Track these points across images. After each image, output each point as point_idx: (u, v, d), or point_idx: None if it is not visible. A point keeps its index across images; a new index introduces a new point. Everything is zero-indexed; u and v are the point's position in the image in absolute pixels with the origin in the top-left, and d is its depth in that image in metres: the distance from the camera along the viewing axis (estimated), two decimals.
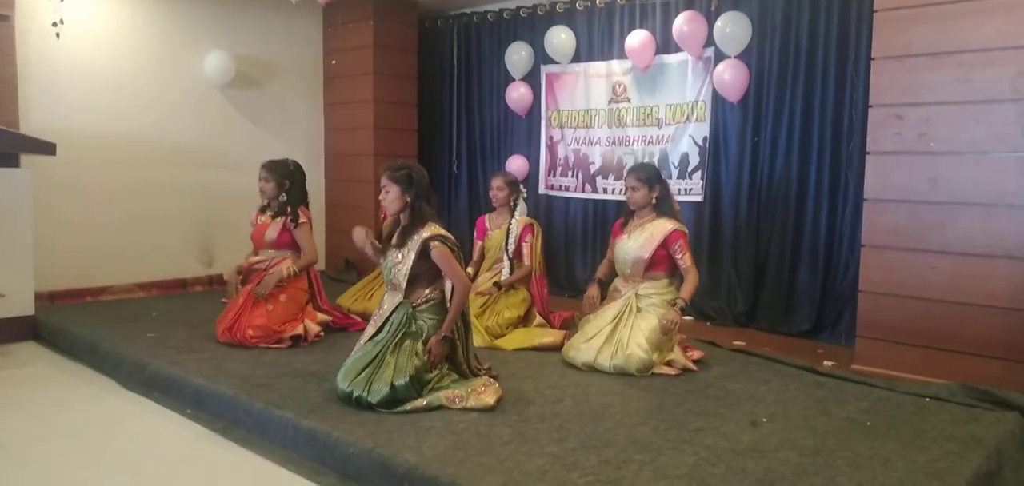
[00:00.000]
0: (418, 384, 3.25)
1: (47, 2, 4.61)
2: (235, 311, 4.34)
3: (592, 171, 6.22)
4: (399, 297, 3.42)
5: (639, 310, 4.00)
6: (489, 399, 3.28)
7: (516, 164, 6.47)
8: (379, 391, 3.21)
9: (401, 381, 3.21)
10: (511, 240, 4.73)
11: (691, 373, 3.91)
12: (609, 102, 6.06)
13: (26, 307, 4.76)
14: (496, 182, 4.86)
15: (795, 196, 5.12)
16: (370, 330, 3.48)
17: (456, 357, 3.48)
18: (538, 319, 4.73)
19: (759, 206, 5.30)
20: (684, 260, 4.00)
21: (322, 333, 4.45)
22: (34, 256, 4.81)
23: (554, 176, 6.47)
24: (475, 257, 4.92)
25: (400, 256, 3.43)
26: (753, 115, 5.28)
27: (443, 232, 3.40)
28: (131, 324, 4.82)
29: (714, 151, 5.50)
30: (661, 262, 4.05)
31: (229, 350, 4.23)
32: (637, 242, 4.07)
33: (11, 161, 4.76)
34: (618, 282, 4.21)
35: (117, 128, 5.86)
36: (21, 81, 5.35)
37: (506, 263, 4.73)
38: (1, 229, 4.59)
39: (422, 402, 3.24)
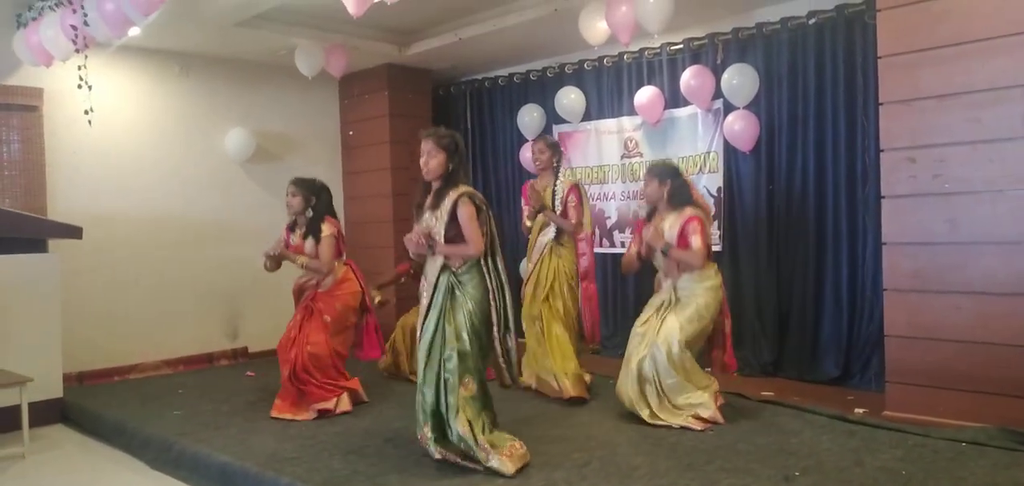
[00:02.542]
0: (479, 342, 3.33)
1: (73, 91, 4.81)
2: (295, 332, 4.44)
3: (609, 225, 6.25)
4: (440, 260, 3.43)
5: (677, 301, 3.98)
6: (509, 468, 3.27)
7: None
8: (448, 363, 3.31)
9: (458, 347, 3.30)
10: (557, 201, 4.76)
11: (719, 427, 3.86)
12: (622, 158, 6.13)
13: (54, 390, 4.82)
14: (537, 146, 4.90)
15: (814, 242, 5.11)
16: (424, 302, 3.48)
17: (489, 335, 3.42)
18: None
19: (778, 253, 5.29)
20: (694, 240, 3.91)
21: (350, 408, 4.46)
22: (62, 338, 4.88)
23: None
24: (527, 218, 4.89)
25: (434, 219, 3.45)
26: (766, 164, 5.31)
27: (473, 191, 3.44)
28: (157, 402, 4.86)
29: (729, 201, 5.52)
30: (708, 251, 4.01)
31: (255, 424, 4.25)
32: (668, 232, 4.03)
33: (39, 246, 4.87)
34: (660, 277, 4.20)
35: (141, 208, 6.00)
36: (49, 168, 5.52)
37: (552, 230, 4.73)
38: (29, 313, 4.68)
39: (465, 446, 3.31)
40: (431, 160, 3.43)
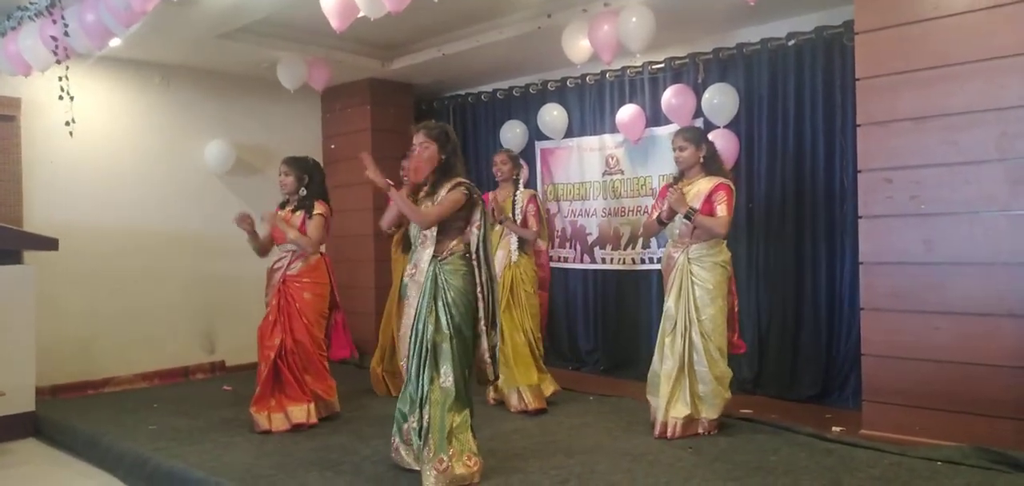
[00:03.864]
0: (461, 336, 3.35)
1: (52, 101, 4.77)
2: (274, 316, 4.40)
3: (590, 242, 6.27)
4: (430, 249, 3.42)
5: (691, 274, 4.01)
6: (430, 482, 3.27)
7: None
8: (433, 354, 3.33)
9: (444, 338, 3.32)
10: (518, 210, 4.91)
11: (697, 443, 3.86)
12: (603, 174, 6.16)
13: (27, 403, 4.73)
14: (499, 157, 5.06)
15: (792, 261, 5.15)
16: (413, 298, 3.46)
17: (477, 350, 3.46)
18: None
19: (758, 272, 5.33)
20: (720, 208, 3.95)
21: (316, 421, 4.44)
22: (36, 351, 4.80)
23: (552, 248, 6.51)
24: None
25: (430, 205, 3.45)
26: (746, 182, 5.35)
27: (469, 183, 3.47)
28: (132, 416, 4.78)
29: None
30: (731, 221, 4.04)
31: (231, 439, 4.19)
32: (690, 198, 4.03)
33: (14, 258, 4.80)
34: (669, 248, 4.20)
35: (118, 219, 5.93)
36: (25, 178, 5.45)
37: (514, 241, 4.88)
38: (3, 326, 4.59)
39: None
40: (424, 152, 3.46)
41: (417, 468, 3.39)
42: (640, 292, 5.94)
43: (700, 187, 4.07)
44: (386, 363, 5.37)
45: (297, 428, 4.32)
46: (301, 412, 4.38)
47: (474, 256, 3.44)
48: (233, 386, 5.66)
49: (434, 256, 3.42)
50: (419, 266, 3.46)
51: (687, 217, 3.95)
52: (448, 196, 3.40)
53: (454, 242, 3.45)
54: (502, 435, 4.12)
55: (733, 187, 4.09)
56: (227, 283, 6.36)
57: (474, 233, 3.46)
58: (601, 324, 6.22)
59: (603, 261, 6.18)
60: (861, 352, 4.12)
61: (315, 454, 3.88)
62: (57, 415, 4.81)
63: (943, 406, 3.80)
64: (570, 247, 6.39)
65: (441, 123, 3.57)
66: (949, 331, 3.79)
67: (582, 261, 6.31)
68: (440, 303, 3.36)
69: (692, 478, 3.39)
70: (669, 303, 4.11)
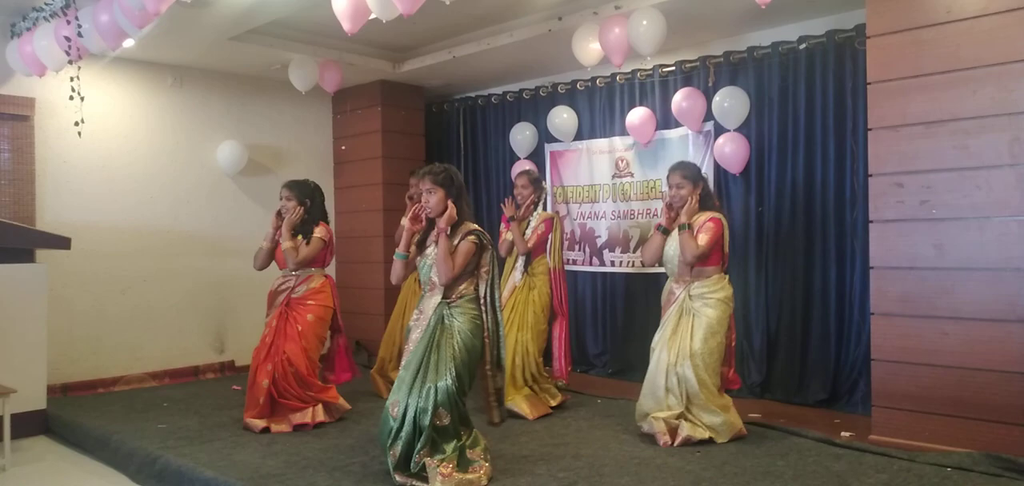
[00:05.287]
0: (460, 384, 3.33)
1: (65, 101, 4.82)
2: (271, 337, 4.43)
3: (599, 244, 6.27)
4: (438, 296, 3.44)
5: (692, 311, 4.03)
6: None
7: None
8: (427, 395, 3.29)
9: (443, 382, 3.29)
10: (530, 230, 4.89)
11: (706, 448, 3.85)
12: (613, 177, 6.15)
13: (38, 401, 4.77)
14: (520, 181, 5.01)
15: (802, 265, 5.13)
16: (415, 336, 3.48)
17: (483, 391, 3.48)
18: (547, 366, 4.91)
19: (767, 276, 5.31)
20: (702, 237, 4.00)
21: (326, 418, 4.47)
22: (47, 349, 4.84)
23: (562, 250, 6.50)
24: (503, 252, 4.97)
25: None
26: (756, 186, 5.34)
27: (481, 231, 3.50)
28: (142, 415, 4.82)
29: None
30: (709, 256, 4.05)
31: (240, 439, 4.21)
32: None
33: (27, 256, 4.84)
34: (671, 283, 4.23)
35: (130, 219, 5.98)
36: (39, 178, 5.50)
37: (520, 262, 4.89)
38: (15, 324, 4.64)
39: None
40: (431, 198, 3.49)
41: (400, 481, 3.39)
42: (649, 295, 5.92)
43: (695, 224, 4.10)
44: (387, 371, 5.36)
45: (300, 428, 4.35)
46: (303, 415, 4.41)
47: (482, 300, 3.47)
48: (242, 386, 5.66)
49: (443, 298, 3.46)
50: (424, 313, 3.49)
51: (681, 229, 4.03)
52: (460, 248, 3.42)
53: (463, 285, 3.48)
54: (510, 437, 4.12)
55: (724, 222, 4.13)
56: (238, 283, 6.39)
57: (484, 278, 3.50)
58: (609, 327, 6.22)
59: (612, 264, 6.17)
60: (871, 357, 4.10)
61: (324, 454, 3.89)
62: (68, 413, 4.85)
63: (953, 412, 3.78)
64: (579, 249, 6.39)
65: (445, 166, 3.58)
66: (959, 337, 3.76)
67: (591, 263, 6.31)
68: (446, 348, 3.37)
69: (700, 482, 3.39)
70: (664, 335, 4.11)
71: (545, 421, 4.53)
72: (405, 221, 3.62)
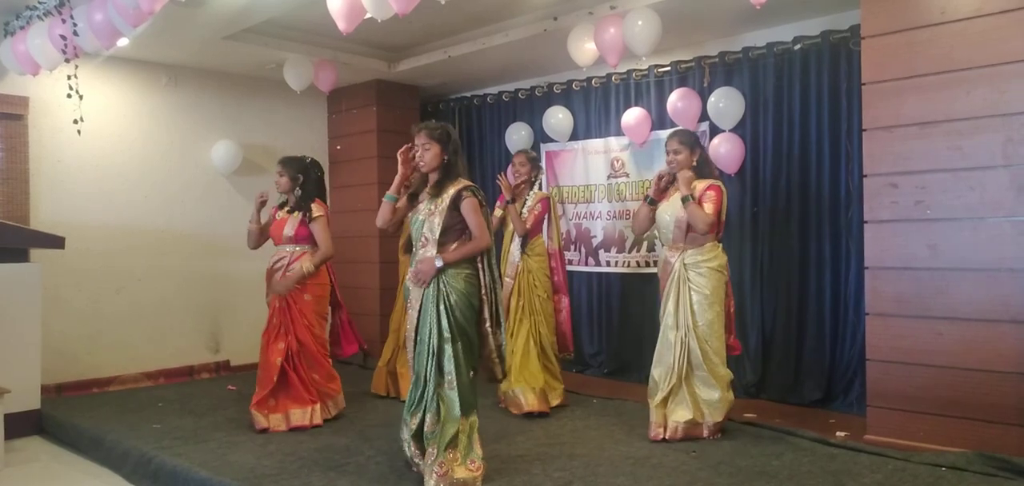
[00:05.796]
0: (465, 337, 3.36)
1: (59, 100, 4.80)
2: (277, 317, 4.44)
3: (594, 244, 6.27)
4: (431, 251, 3.41)
5: (689, 280, 4.03)
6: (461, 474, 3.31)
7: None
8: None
9: (445, 341, 3.32)
10: (527, 209, 4.93)
11: (701, 446, 3.86)
12: (608, 177, 6.16)
13: (32, 401, 4.75)
14: (519, 158, 5.07)
15: (797, 265, 5.14)
16: (414, 300, 3.46)
17: (484, 349, 3.48)
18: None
19: (762, 276, 5.32)
20: (707, 206, 3.99)
21: (321, 422, 4.47)
22: (41, 349, 4.82)
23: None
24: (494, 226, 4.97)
25: (433, 207, 3.45)
26: (751, 186, 5.35)
27: (474, 185, 3.48)
28: (137, 414, 4.80)
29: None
30: (718, 222, 4.06)
31: (235, 439, 4.20)
32: (677, 204, 4.06)
33: (21, 256, 4.82)
34: (665, 252, 4.23)
35: (124, 219, 5.95)
36: (33, 177, 5.47)
37: (517, 242, 4.91)
38: (9, 324, 4.62)
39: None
40: (426, 154, 3.47)
41: (416, 468, 3.40)
42: (645, 295, 5.93)
43: (694, 186, 4.10)
44: (392, 363, 5.36)
45: (296, 430, 4.34)
46: (302, 415, 4.41)
47: (481, 259, 3.45)
48: (237, 386, 5.67)
49: (439, 255, 3.42)
50: (419, 271, 3.47)
51: (684, 201, 4.01)
52: (467, 205, 3.40)
53: (455, 244, 3.46)
54: (506, 437, 4.12)
55: (723, 189, 4.13)
56: (233, 283, 6.38)
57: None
58: (605, 327, 6.22)
59: (608, 264, 6.18)
60: (865, 357, 4.11)
61: (319, 454, 3.89)
62: (62, 413, 4.83)
63: (947, 412, 3.80)
64: (575, 250, 6.39)
65: (442, 123, 3.58)
66: (953, 337, 3.78)
67: (587, 264, 6.31)
68: (442, 306, 3.36)
69: (695, 482, 3.39)
70: (669, 308, 4.11)
71: (541, 421, 4.54)
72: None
